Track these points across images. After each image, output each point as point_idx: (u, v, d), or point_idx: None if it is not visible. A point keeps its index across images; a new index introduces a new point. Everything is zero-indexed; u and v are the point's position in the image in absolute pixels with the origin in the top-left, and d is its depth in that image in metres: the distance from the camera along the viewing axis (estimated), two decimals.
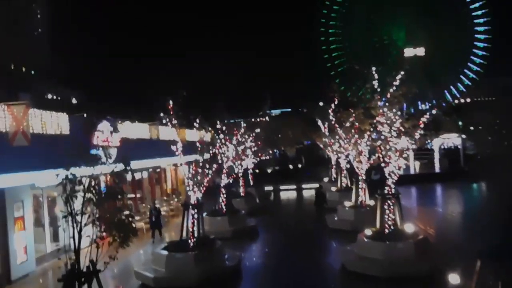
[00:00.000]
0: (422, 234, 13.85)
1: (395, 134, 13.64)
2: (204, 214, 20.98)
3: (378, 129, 14.05)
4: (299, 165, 51.50)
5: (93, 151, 16.53)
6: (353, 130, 20.65)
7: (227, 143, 18.72)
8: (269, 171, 45.88)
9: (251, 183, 31.88)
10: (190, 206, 14.05)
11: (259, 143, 27.64)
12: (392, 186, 13.96)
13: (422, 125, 13.31)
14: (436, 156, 41.99)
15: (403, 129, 13.30)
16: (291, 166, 50.75)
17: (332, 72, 53.31)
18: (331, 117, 19.90)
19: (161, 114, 13.56)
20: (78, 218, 7.83)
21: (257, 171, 40.14)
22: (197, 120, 14.51)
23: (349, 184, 26.98)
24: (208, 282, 12.50)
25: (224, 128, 18.16)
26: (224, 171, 19.83)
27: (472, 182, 34.60)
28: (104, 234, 8.08)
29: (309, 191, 35.04)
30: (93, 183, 7.66)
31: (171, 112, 13.50)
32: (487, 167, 38.22)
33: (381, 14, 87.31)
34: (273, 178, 39.93)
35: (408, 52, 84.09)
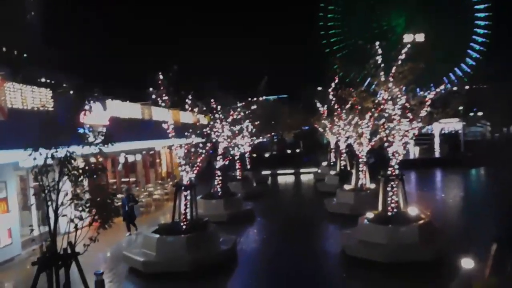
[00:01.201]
0: (427, 217, 13.14)
1: (400, 112, 12.87)
2: (199, 197, 20.42)
3: (382, 107, 13.25)
4: (297, 150, 50.87)
5: (80, 130, 15.89)
6: (354, 112, 19.94)
7: (222, 122, 17.85)
8: (266, 155, 45.25)
9: (248, 167, 31.22)
10: (183, 187, 13.30)
11: (256, 123, 26.81)
12: (396, 166, 13.23)
13: (429, 102, 12.51)
14: (437, 141, 41.33)
15: (408, 105, 12.51)
16: (289, 151, 50.10)
17: (331, 57, 52.29)
18: (331, 97, 19.07)
19: (151, 89, 12.69)
20: (53, 196, 7.03)
21: (254, 155, 39.51)
22: (189, 97, 13.64)
23: (348, 168, 26.32)
24: (201, 267, 11.85)
25: (218, 107, 17.25)
26: (220, 152, 19.07)
27: (472, 167, 33.93)
28: (83, 214, 7.27)
29: (307, 176, 34.52)
30: (68, 156, 6.80)
31: (162, 88, 12.64)
32: (488, 152, 37.71)
33: (381, 0, 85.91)
34: (271, 163, 39.35)
35: (408, 38, 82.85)
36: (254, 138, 29.01)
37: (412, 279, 10.65)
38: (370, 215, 13.35)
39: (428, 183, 29.04)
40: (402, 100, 12.56)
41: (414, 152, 39.57)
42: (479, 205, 20.20)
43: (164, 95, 12.76)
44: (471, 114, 53.87)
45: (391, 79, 12.77)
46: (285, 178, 35.31)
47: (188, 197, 13.25)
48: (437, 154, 40.56)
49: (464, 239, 13.16)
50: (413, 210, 13.25)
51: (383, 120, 13.51)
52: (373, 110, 14.20)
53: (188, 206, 13.21)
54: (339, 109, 20.19)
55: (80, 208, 7.37)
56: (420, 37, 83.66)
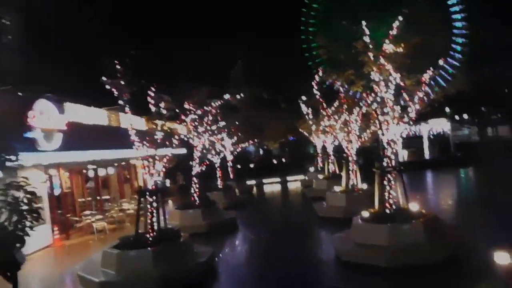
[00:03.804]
0: (431, 212, 11.46)
1: (393, 95, 11.30)
2: (174, 207, 18.49)
3: (374, 90, 11.65)
4: (283, 160, 49.34)
5: (28, 134, 13.96)
6: (341, 108, 18.42)
7: (194, 121, 15.96)
8: (251, 166, 43.58)
9: (231, 176, 29.36)
10: (147, 193, 11.40)
11: (235, 128, 25.06)
12: (392, 157, 11.58)
13: (426, 81, 10.97)
14: (425, 142, 40.13)
15: (403, 84, 10.95)
16: (275, 161, 48.52)
17: (311, 62, 50.40)
18: (315, 91, 17.52)
19: (104, 78, 10.85)
20: None
21: (238, 166, 37.75)
22: (152, 88, 11.82)
23: (337, 171, 24.70)
24: (171, 284, 9.91)
25: (190, 105, 15.39)
26: (195, 157, 17.24)
27: (462, 167, 32.88)
28: None
29: (294, 184, 32.86)
30: None
31: (118, 75, 10.82)
32: (478, 153, 36.94)
33: (360, 14, 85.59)
34: (256, 172, 37.66)
35: (388, 48, 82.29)
36: (234, 141, 27.18)
37: (421, 285, 8.89)
38: (365, 214, 11.62)
39: (421, 185, 27.52)
40: (397, 80, 10.97)
41: (403, 155, 38.23)
42: (477, 202, 18.82)
43: (121, 85, 10.94)
44: (457, 117, 53.32)
45: (382, 59, 11.18)
46: (271, 187, 33.57)
47: (154, 204, 11.34)
48: (426, 156, 39.31)
49: (475, 236, 11.51)
50: (414, 206, 11.55)
51: (375, 105, 11.89)
52: (363, 95, 12.58)
53: (154, 214, 11.30)
54: (325, 104, 18.58)
55: None
56: (400, 48, 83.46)
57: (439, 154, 38.65)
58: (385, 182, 11.41)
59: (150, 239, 10.97)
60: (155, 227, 11.28)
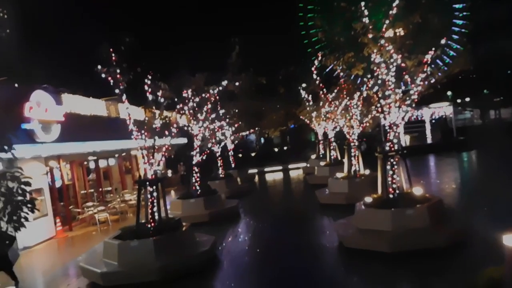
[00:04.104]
0: (435, 197, 11.29)
1: (394, 77, 11.05)
2: (176, 197, 18.39)
3: (375, 72, 11.40)
4: (285, 148, 49.17)
5: (26, 126, 13.78)
6: (342, 93, 18.20)
7: (193, 109, 15.72)
8: (252, 154, 43.44)
9: (233, 165, 29.23)
10: (147, 183, 11.26)
11: (235, 115, 24.77)
12: (395, 140, 11.39)
13: (428, 61, 10.71)
14: (427, 127, 39.83)
15: (404, 65, 10.70)
16: (276, 150, 48.33)
17: (309, 49, 49.74)
18: (314, 76, 17.24)
19: (99, 67, 10.61)
20: None
21: (239, 155, 37.60)
22: (149, 76, 11.60)
23: (339, 157, 24.52)
24: (173, 274, 9.83)
25: (187, 93, 15.11)
26: (195, 146, 17.07)
27: (465, 151, 32.63)
28: None
29: (296, 171, 32.73)
30: None
31: (113, 63, 10.59)
32: (481, 136, 36.70)
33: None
34: (257, 161, 37.52)
35: (389, 32, 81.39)
36: (235, 129, 26.93)
37: (427, 270, 8.74)
38: (368, 199, 11.48)
39: (423, 169, 27.34)
40: (398, 61, 10.72)
41: (405, 140, 37.95)
42: (481, 186, 18.62)
43: (116, 73, 10.71)
44: (459, 100, 52.87)
45: (382, 40, 10.91)
46: (273, 175, 33.43)
47: (155, 194, 11.21)
48: (428, 140, 39.05)
49: (480, 221, 11.35)
50: (418, 190, 11.38)
51: (376, 88, 11.65)
52: (364, 79, 12.32)
53: (155, 204, 11.18)
54: (325, 90, 18.32)
55: None
56: (401, 31, 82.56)
57: (441, 138, 38.33)
58: (388, 167, 11.25)
59: (151, 229, 10.87)
60: (156, 217, 11.17)
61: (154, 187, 11.23)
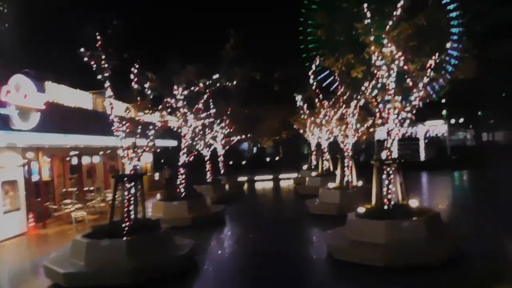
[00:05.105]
0: (432, 210, 10.60)
1: (395, 81, 10.42)
2: (158, 199, 17.51)
3: (375, 75, 10.76)
4: (277, 158, 48.59)
5: (1, 110, 12.89)
6: (338, 101, 17.60)
7: (183, 102, 14.86)
8: (244, 163, 42.74)
9: (222, 171, 28.40)
10: (125, 178, 10.43)
11: (227, 116, 23.99)
12: (392, 149, 10.71)
13: (432, 66, 10.09)
14: (421, 144, 39.43)
15: (406, 68, 10.07)
16: (268, 159, 47.70)
17: (305, 54, 49.15)
18: (311, 80, 16.61)
19: (82, 50, 9.85)
20: None
21: (230, 162, 36.86)
22: (136, 65, 10.85)
23: (331, 169, 23.84)
24: (146, 278, 8.98)
25: (178, 87, 14.32)
26: (183, 146, 16.28)
27: (458, 170, 32.33)
28: None
29: (287, 181, 32.00)
30: None
31: (98, 47, 9.83)
32: (474, 157, 36.57)
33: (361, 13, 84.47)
34: (248, 169, 36.79)
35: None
36: (226, 133, 26.15)
37: (422, 287, 8.02)
38: (361, 209, 10.74)
39: (418, 185, 26.78)
40: (400, 63, 10.09)
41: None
42: (475, 204, 18.19)
43: (101, 58, 9.96)
44: (452, 120, 52.74)
45: (385, 40, 10.29)
46: (263, 184, 32.67)
47: (132, 191, 10.38)
48: (422, 157, 38.63)
49: (475, 237, 10.71)
50: (414, 202, 10.68)
51: (375, 92, 11.01)
52: (362, 87, 11.69)
53: (132, 202, 10.33)
54: (321, 97, 17.70)
55: None
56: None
57: (435, 156, 38.06)
58: (384, 176, 10.55)
59: (126, 228, 10.01)
60: (132, 216, 10.32)
61: (133, 183, 10.39)
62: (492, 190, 21.38)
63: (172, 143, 28.86)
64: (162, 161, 33.93)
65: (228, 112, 23.59)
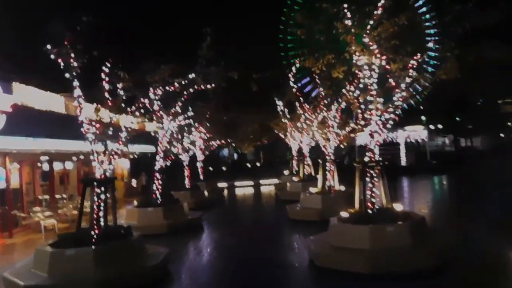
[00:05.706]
0: (417, 215, 10.27)
1: (376, 81, 10.09)
2: (131, 206, 16.79)
3: (356, 76, 10.42)
4: (257, 164, 48.14)
5: None
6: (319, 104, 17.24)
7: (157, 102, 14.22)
8: (224, 168, 42.09)
9: (201, 177, 27.70)
10: (95, 183, 9.77)
11: (205, 119, 23.39)
12: (376, 151, 10.35)
13: (415, 66, 9.81)
14: (402, 149, 39.63)
15: (388, 68, 9.76)
16: (249, 165, 47.15)
17: (285, 61, 48.58)
18: (291, 83, 16.26)
19: (49, 46, 9.20)
20: None
21: (210, 168, 36.16)
22: (107, 64, 10.24)
23: (313, 173, 23.49)
24: None
25: (152, 88, 13.67)
26: (159, 150, 15.65)
27: (437, 174, 32.55)
28: None
29: (268, 187, 31.54)
30: None
31: (66, 44, 9.20)
32: (453, 162, 36.96)
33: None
34: (228, 175, 36.19)
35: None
36: (205, 138, 25.54)
37: None
38: (344, 214, 10.33)
39: (400, 189, 26.70)
40: (382, 63, 9.77)
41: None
42: (456, 207, 18.18)
43: (69, 54, 9.32)
44: (432, 126, 53.38)
45: (366, 39, 9.96)
46: (244, 189, 32.12)
47: (102, 196, 9.72)
48: (403, 162, 38.82)
49: (461, 241, 10.43)
50: (398, 206, 10.32)
51: (357, 93, 10.67)
52: (343, 90, 11.35)
53: (101, 208, 9.67)
54: (302, 99, 17.33)
55: None
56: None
57: (415, 161, 38.32)
58: (367, 179, 10.17)
59: (94, 236, 9.33)
60: (101, 223, 9.65)
61: (103, 188, 9.74)
62: (472, 193, 21.43)
63: (151, 149, 28.08)
64: (140, 167, 33.08)
65: (207, 116, 23.03)
